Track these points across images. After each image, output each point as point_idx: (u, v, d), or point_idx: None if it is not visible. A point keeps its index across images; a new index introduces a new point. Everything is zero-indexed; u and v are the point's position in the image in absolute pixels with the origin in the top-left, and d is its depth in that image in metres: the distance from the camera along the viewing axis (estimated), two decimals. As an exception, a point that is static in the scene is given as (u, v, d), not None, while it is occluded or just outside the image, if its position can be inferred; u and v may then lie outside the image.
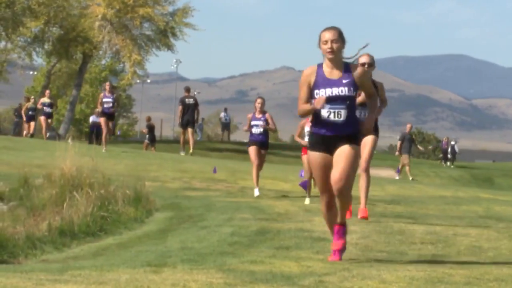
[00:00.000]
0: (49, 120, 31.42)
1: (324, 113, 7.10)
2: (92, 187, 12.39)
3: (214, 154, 38.04)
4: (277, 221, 10.69)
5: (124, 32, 42.12)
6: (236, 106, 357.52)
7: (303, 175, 14.55)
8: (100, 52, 44.73)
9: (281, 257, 7.64)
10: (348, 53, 7.28)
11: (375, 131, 10.40)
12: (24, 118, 33.40)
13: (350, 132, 7.13)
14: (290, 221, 10.74)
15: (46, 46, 43.99)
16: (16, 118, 47.05)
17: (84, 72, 47.00)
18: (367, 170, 10.49)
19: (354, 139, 7.18)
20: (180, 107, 25.44)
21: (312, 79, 7.18)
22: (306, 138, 12.66)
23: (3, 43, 43.77)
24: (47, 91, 32.41)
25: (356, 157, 7.18)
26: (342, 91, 7.08)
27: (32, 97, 35.27)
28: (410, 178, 30.05)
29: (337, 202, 7.25)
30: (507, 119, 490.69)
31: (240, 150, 41.25)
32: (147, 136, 37.77)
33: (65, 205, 11.65)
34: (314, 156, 7.25)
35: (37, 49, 44.26)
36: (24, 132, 33.42)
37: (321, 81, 7.15)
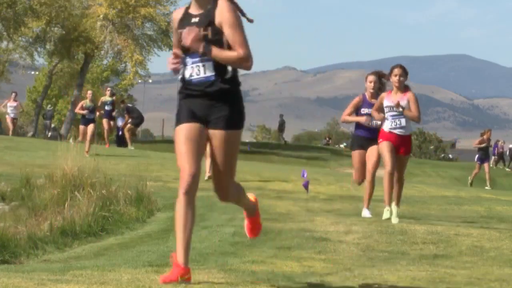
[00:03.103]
0: (91, 125, 22.51)
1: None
2: (93, 187, 12.40)
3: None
4: (279, 221, 10.68)
5: (126, 32, 42.11)
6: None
7: (305, 175, 14.53)
8: (102, 52, 44.74)
9: (283, 257, 7.64)
10: None
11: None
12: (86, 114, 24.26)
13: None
14: (292, 221, 10.74)
15: (47, 46, 43.99)
16: (47, 120, 46.96)
17: (85, 72, 47.02)
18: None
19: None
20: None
21: None
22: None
23: (5, 43, 43.80)
24: (89, 92, 23.70)
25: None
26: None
27: (109, 88, 27.94)
28: None
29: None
30: (509, 119, 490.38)
31: (241, 150, 41.20)
32: None
33: (66, 205, 11.65)
34: None
35: (39, 49, 44.30)
36: (105, 130, 26.74)
37: None
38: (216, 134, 5.24)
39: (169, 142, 46.15)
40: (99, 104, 24.58)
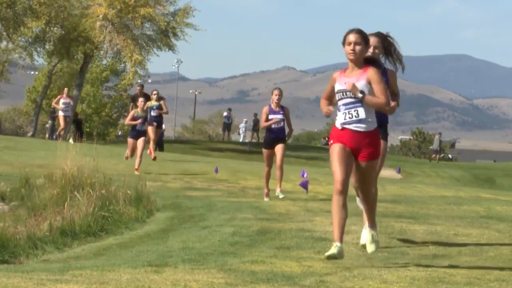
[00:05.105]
0: (142, 139, 19.26)
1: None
2: (93, 187, 12.40)
3: (215, 154, 38.05)
4: (278, 221, 10.69)
5: (125, 32, 42.09)
6: (237, 106, 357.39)
7: (305, 175, 14.52)
8: (101, 52, 44.71)
9: (282, 257, 7.64)
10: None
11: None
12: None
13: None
14: (291, 221, 10.74)
15: (47, 46, 43.96)
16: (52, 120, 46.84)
17: (85, 72, 47.00)
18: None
19: None
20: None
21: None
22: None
23: (4, 43, 43.77)
24: (141, 100, 20.00)
25: None
26: None
27: (155, 92, 22.86)
28: None
29: None
30: (508, 119, 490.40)
31: (241, 150, 41.26)
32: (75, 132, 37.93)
33: (66, 205, 11.66)
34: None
35: (38, 49, 44.24)
36: (151, 140, 22.50)
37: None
38: None
39: (169, 142, 46.16)
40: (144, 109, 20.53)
